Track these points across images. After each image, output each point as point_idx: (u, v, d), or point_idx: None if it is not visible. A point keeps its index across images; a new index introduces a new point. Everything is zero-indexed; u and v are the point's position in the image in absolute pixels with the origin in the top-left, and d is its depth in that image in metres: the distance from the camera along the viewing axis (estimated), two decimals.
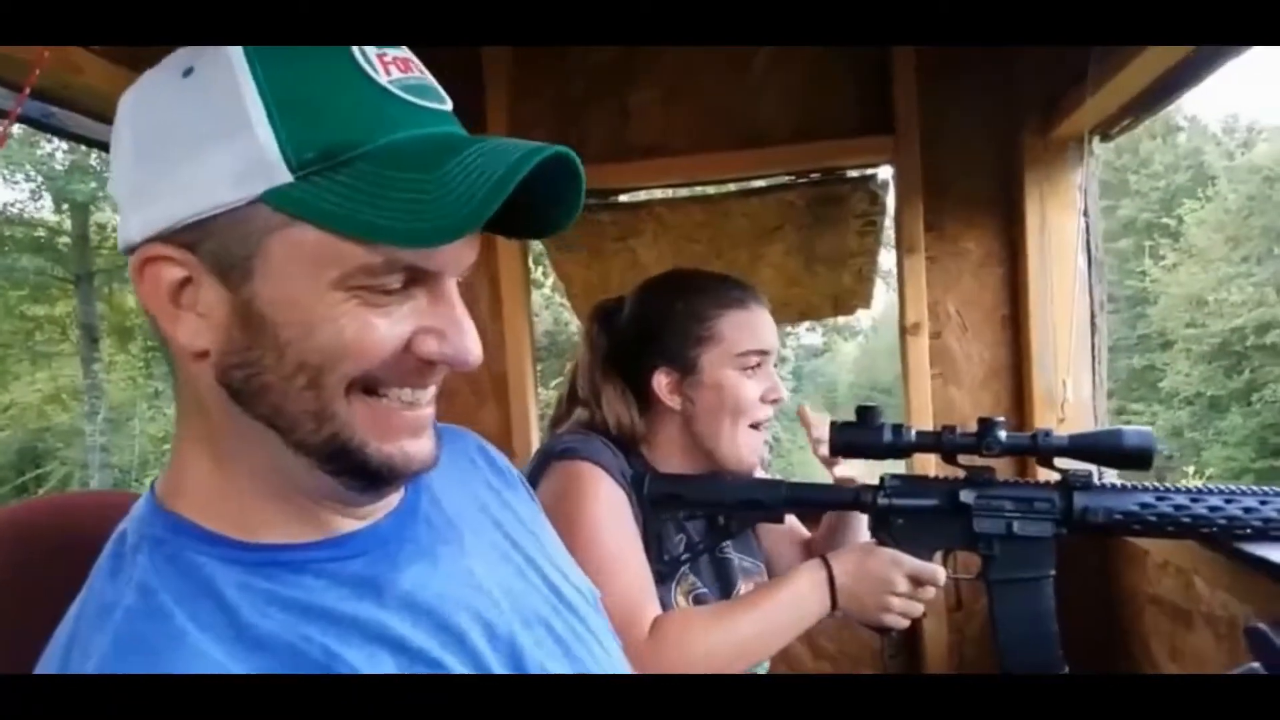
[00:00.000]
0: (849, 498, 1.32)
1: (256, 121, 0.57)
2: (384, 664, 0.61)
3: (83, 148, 14.84)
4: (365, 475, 0.63)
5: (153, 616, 0.57)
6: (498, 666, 0.67)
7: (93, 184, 15.11)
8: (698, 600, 1.35)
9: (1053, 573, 1.26)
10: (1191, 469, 15.68)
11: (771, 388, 1.36)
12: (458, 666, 0.64)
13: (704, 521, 1.39)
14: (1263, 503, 1.17)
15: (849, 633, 2.11)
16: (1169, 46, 1.46)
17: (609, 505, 1.24)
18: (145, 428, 15.05)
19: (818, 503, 1.36)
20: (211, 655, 0.56)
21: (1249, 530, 1.17)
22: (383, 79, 0.59)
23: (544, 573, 0.79)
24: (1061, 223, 2.05)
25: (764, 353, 1.35)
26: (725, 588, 1.39)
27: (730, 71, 2.15)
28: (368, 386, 0.61)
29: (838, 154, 2.16)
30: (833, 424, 1.31)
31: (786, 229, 2.21)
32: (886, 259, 2.44)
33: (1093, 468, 1.30)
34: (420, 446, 0.65)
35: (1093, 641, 1.82)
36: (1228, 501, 1.18)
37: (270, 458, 0.62)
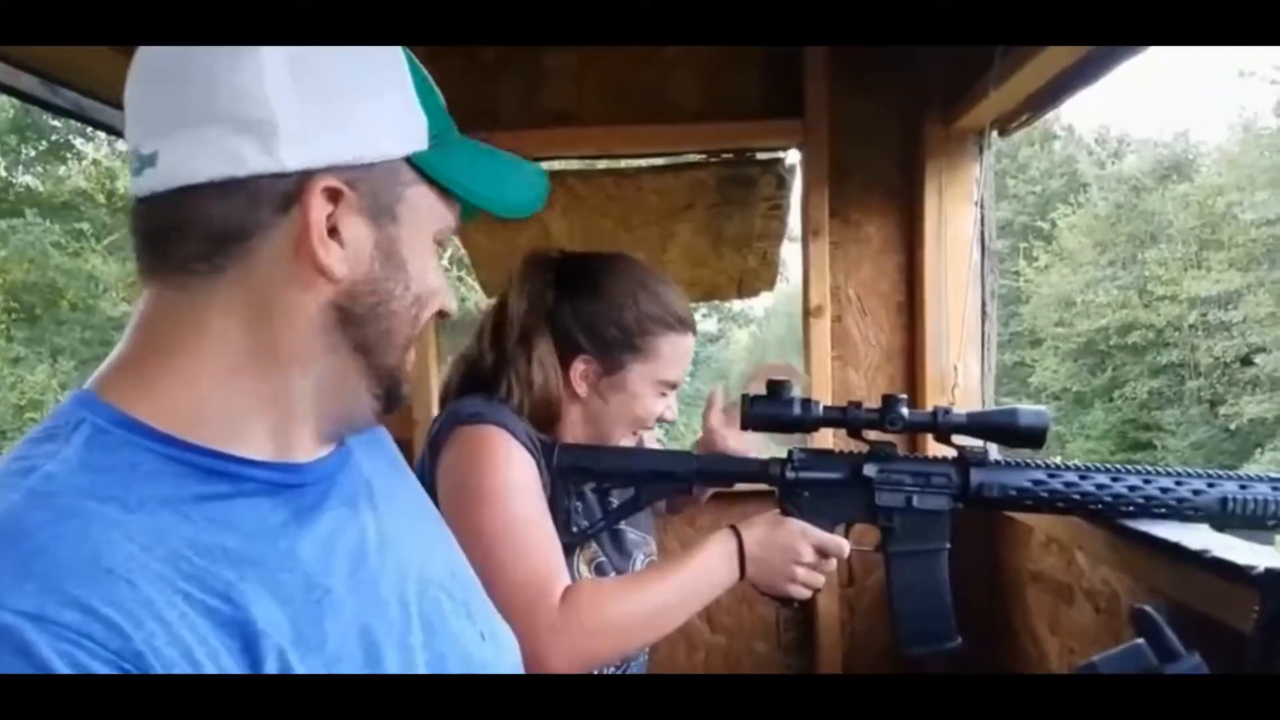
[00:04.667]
0: (757, 470, 1.33)
1: (413, 94, 0.69)
2: (292, 596, 0.62)
3: None
4: (393, 404, 0.74)
5: (69, 489, 0.58)
6: (405, 617, 0.71)
7: None
8: (599, 568, 1.35)
9: (948, 546, 1.31)
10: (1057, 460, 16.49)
11: (668, 408, 1.41)
12: (364, 611, 0.67)
13: (605, 493, 1.39)
14: (1146, 481, 1.23)
15: (746, 607, 2.15)
16: (1070, 46, 1.52)
17: (520, 471, 1.22)
18: (6, 395, 14.11)
19: (727, 474, 1.37)
20: (115, 537, 0.56)
21: (1132, 507, 1.23)
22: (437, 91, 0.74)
23: (445, 545, 0.86)
24: (958, 213, 2.12)
25: (678, 384, 1.40)
26: (622, 557, 1.40)
27: (644, 47, 2.14)
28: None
29: (747, 135, 2.18)
30: (744, 397, 1.32)
31: (697, 208, 2.21)
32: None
33: (988, 445, 1.35)
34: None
35: (977, 616, 1.90)
36: (1114, 479, 1.24)
37: (330, 380, 0.70)
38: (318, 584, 0.65)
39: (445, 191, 0.71)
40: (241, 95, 0.63)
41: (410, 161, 0.69)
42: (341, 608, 0.65)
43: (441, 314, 0.76)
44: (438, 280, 0.73)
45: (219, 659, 0.56)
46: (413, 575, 0.74)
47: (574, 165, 2.30)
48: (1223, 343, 18.07)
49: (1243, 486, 1.22)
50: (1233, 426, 17.35)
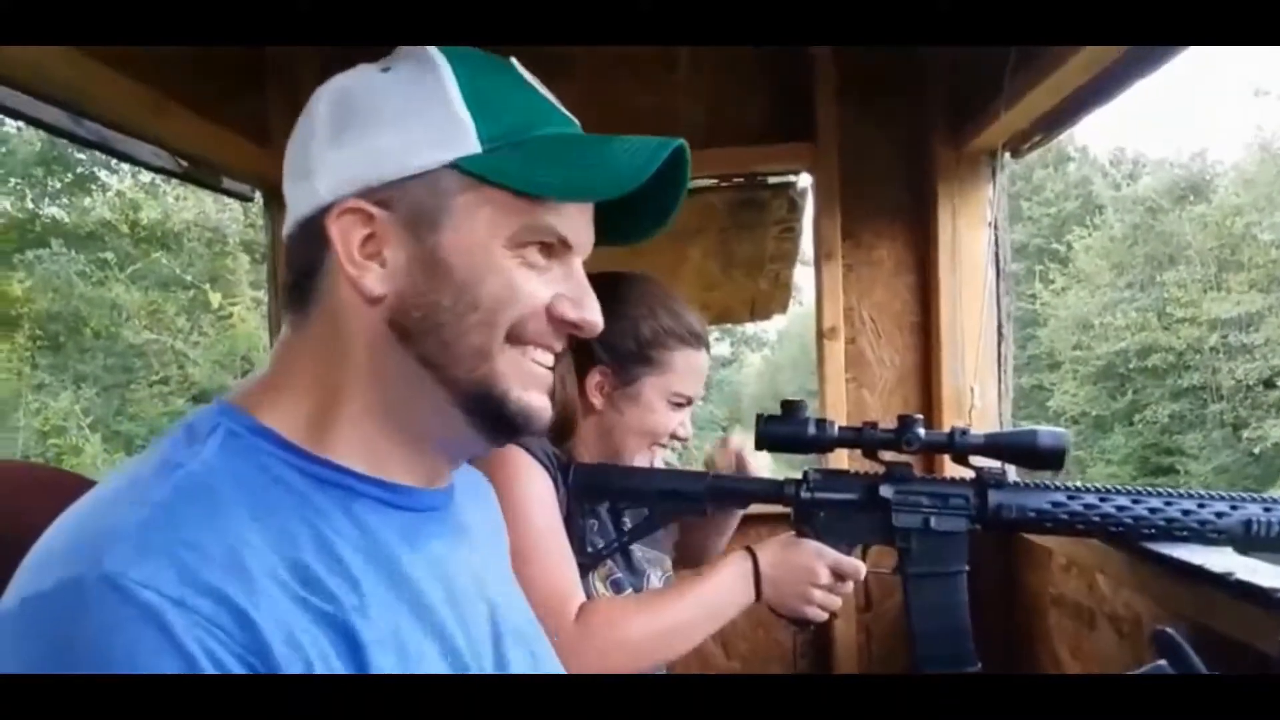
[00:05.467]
0: (772, 490, 1.32)
1: (456, 104, 0.68)
2: (399, 611, 0.65)
3: None
4: (499, 421, 0.71)
5: (208, 490, 0.62)
6: (489, 657, 0.73)
7: None
8: (615, 585, 1.35)
9: (966, 568, 1.29)
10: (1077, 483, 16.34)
11: (683, 425, 1.41)
12: (458, 637, 0.69)
13: (618, 514, 1.39)
14: (1167, 503, 1.22)
15: (762, 631, 2.13)
16: (1082, 67, 1.52)
17: (538, 489, 1.23)
18: (30, 421, 14.19)
19: (741, 494, 1.37)
20: (247, 536, 0.60)
21: (1154, 530, 1.22)
22: (541, 90, 0.73)
23: (522, 598, 0.88)
24: (971, 235, 2.11)
25: (692, 399, 1.40)
26: (634, 575, 1.40)
27: (650, 74, 2.15)
28: (515, 340, 0.70)
29: (757, 159, 2.19)
30: (759, 417, 1.31)
31: (708, 232, 2.23)
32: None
33: (1006, 466, 1.34)
34: (546, 404, 0.74)
35: (997, 640, 1.87)
36: (1134, 501, 1.23)
37: (407, 397, 0.70)
38: (424, 605, 0.68)
39: (520, 192, 0.68)
40: (301, 143, 0.70)
41: (462, 168, 0.67)
42: (442, 634, 0.68)
43: (569, 323, 0.72)
44: (507, 285, 0.69)
45: (329, 663, 0.60)
46: (499, 621, 0.77)
47: None
48: (1245, 365, 17.85)
49: (1267, 509, 1.20)
50: (1257, 451, 17.10)
